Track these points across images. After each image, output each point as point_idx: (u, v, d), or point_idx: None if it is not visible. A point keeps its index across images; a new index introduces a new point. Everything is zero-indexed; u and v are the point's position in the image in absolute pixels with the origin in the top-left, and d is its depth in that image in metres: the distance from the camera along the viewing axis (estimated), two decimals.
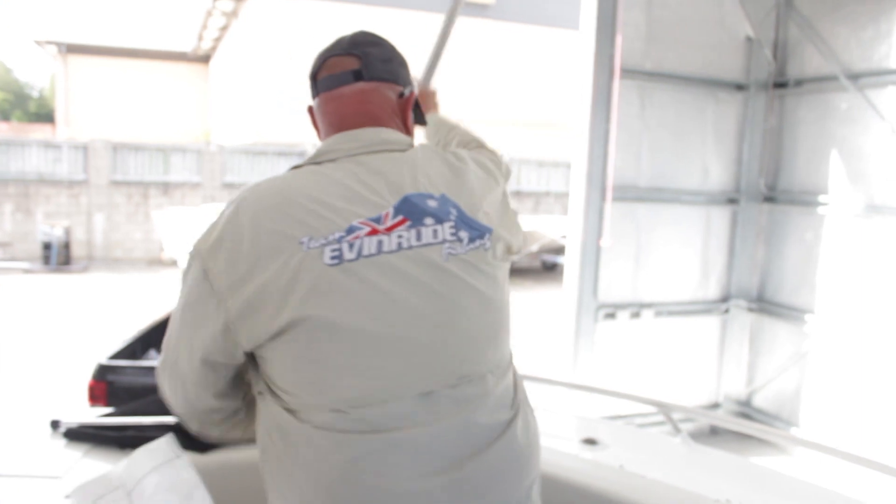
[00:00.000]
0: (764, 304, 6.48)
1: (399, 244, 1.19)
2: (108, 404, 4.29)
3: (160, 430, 2.07)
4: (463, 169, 1.33)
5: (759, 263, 6.51)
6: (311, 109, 1.48)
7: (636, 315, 6.06)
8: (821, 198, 5.96)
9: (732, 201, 6.46)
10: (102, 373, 4.71)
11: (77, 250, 17.10)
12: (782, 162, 6.36)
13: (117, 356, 5.06)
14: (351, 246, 1.17)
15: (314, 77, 1.44)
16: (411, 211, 1.22)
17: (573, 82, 5.88)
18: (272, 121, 19.92)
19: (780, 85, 6.28)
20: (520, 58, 21.59)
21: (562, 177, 19.43)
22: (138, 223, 17.86)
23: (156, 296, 11.92)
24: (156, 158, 18.06)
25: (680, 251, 6.30)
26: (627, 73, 5.75)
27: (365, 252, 1.18)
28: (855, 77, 5.63)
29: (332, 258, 1.16)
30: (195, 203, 17.42)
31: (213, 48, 26.93)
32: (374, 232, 1.19)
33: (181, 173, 18.19)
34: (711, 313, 6.53)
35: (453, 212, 1.25)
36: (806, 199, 6.10)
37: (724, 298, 6.58)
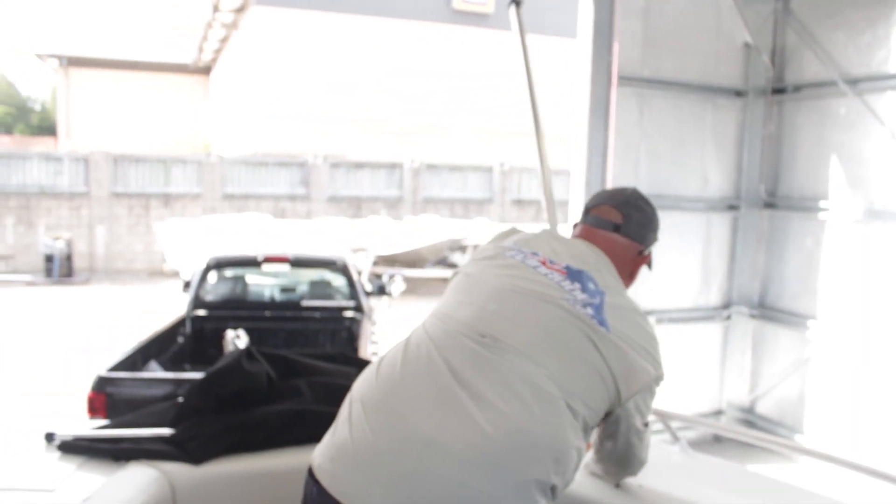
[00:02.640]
0: (766, 310, 6.45)
1: (545, 273, 1.67)
2: (107, 416, 4.27)
3: (156, 441, 2.07)
4: (631, 318, 1.69)
5: (760, 269, 6.49)
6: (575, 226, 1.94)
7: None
8: (821, 203, 5.94)
9: (733, 207, 6.44)
10: (102, 385, 4.68)
11: (79, 262, 17.10)
12: (782, 168, 6.34)
13: (117, 368, 5.04)
14: (524, 256, 1.72)
15: (588, 209, 1.91)
16: (574, 273, 1.69)
17: (572, 90, 5.88)
18: (272, 131, 19.95)
19: (779, 91, 6.28)
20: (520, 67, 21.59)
21: (562, 185, 19.41)
22: (139, 235, 17.87)
23: (157, 307, 11.90)
24: (156, 170, 18.08)
25: (681, 258, 6.28)
26: (625, 80, 5.74)
27: (526, 262, 1.71)
28: (853, 82, 5.63)
29: (509, 253, 1.74)
30: (196, 214, 17.42)
31: (214, 60, 27.01)
32: (542, 262, 1.71)
33: (182, 184, 18.20)
34: (713, 320, 6.51)
35: (597, 299, 1.64)
36: (806, 205, 6.09)
37: (726, 305, 6.55)
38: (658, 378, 1.70)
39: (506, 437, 1.44)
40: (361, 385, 1.63)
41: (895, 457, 5.22)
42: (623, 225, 1.83)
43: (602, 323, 1.61)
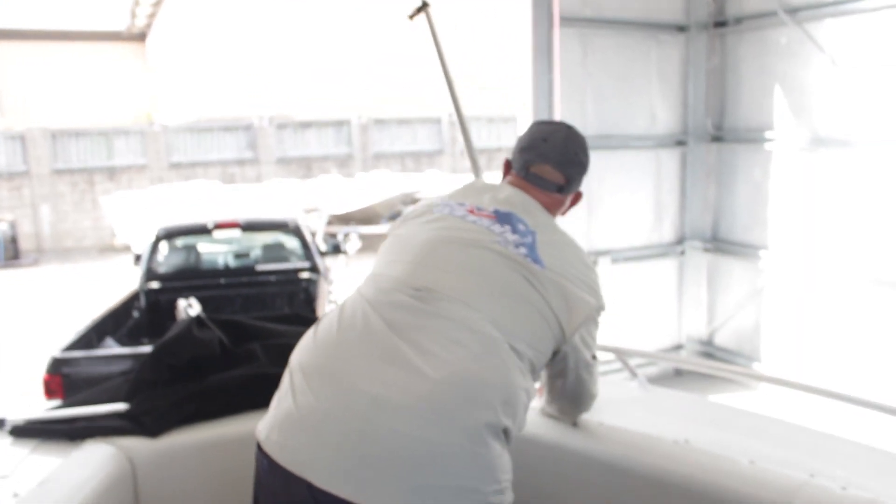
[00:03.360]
0: (719, 243, 6.55)
1: (473, 220, 1.67)
2: (65, 398, 4.19)
3: (111, 418, 2.02)
4: (565, 252, 1.71)
5: (711, 203, 6.57)
6: (508, 162, 1.90)
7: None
8: (767, 134, 6.00)
9: (681, 143, 6.48)
10: (57, 366, 4.59)
11: (25, 244, 16.67)
12: (727, 101, 6.38)
13: (72, 347, 4.94)
14: (451, 208, 1.72)
15: (528, 164, 1.82)
16: (503, 217, 1.69)
17: (515, 35, 5.81)
18: (215, 96, 19.51)
19: (721, 24, 6.28)
20: (465, 18, 21.37)
21: (512, 132, 19.38)
22: (86, 211, 17.45)
23: (110, 283, 11.68)
24: (98, 143, 17.60)
25: (632, 197, 6.31)
26: (567, 21, 5.68)
27: (454, 213, 1.70)
28: (793, 11, 5.64)
29: (437, 208, 1.74)
30: (143, 185, 17.05)
31: (148, 25, 26.20)
32: (470, 210, 1.70)
33: (126, 156, 17.78)
34: (668, 256, 6.59)
35: (528, 238, 1.65)
36: (752, 137, 6.15)
37: (680, 240, 6.63)
38: (599, 308, 1.71)
39: (450, 383, 1.42)
40: (300, 353, 1.60)
41: (846, 377, 5.39)
42: (565, 186, 1.82)
43: (536, 261, 1.61)
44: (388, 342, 1.49)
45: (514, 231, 1.66)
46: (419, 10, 2.60)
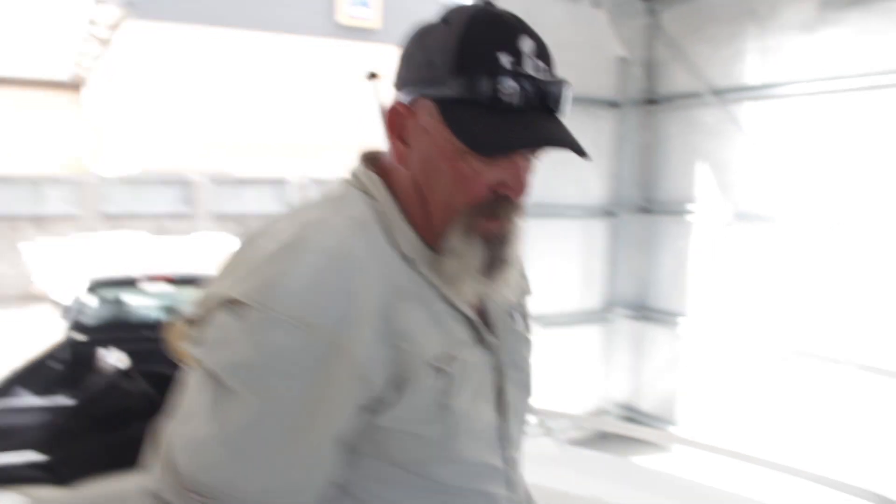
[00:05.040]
0: (644, 310, 6.72)
1: None
2: None
3: (25, 468, 1.98)
4: None
5: (637, 272, 6.76)
6: None
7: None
8: (692, 207, 6.25)
9: (611, 214, 6.68)
10: None
11: None
12: (657, 174, 6.64)
13: None
14: None
15: None
16: None
17: None
18: (154, 149, 19.31)
19: (652, 101, 6.57)
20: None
21: None
22: (8, 259, 16.92)
23: (27, 332, 11.28)
24: (26, 190, 17.19)
25: (562, 263, 6.46)
26: None
27: None
28: (719, 93, 5.95)
29: None
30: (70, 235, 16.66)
31: (89, 75, 25.94)
32: None
33: (56, 205, 17.38)
34: (595, 322, 6.72)
35: None
36: (678, 209, 6.39)
37: (607, 307, 6.78)
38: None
39: None
40: None
41: (763, 440, 5.53)
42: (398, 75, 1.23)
43: None
44: None
45: None
46: (369, 78, 2.67)
